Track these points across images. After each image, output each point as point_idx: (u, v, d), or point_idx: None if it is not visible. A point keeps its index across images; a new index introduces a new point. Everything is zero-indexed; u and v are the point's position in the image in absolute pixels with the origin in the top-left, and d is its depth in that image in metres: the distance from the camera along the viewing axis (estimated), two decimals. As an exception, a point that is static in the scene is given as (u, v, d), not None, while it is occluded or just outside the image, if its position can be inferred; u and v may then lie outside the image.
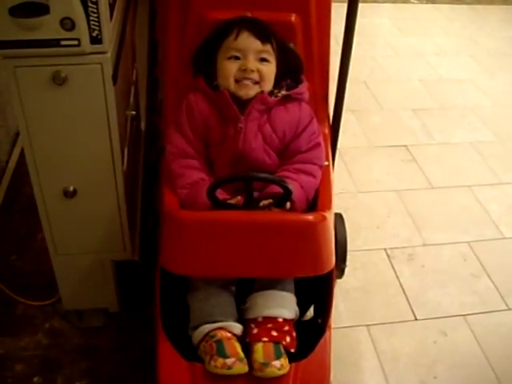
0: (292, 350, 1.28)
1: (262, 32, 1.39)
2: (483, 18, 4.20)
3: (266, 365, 1.21)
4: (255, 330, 1.29)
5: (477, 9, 4.31)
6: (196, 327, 1.30)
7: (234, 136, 1.36)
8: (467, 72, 3.43)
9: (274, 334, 1.28)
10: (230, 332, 1.27)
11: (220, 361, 1.18)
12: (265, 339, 1.26)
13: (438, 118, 2.94)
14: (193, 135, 1.39)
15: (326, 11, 1.56)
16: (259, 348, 1.24)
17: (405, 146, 2.69)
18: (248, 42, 1.38)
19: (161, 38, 1.74)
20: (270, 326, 1.29)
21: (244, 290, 1.37)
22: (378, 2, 4.22)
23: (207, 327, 1.28)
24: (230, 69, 1.37)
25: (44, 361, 1.64)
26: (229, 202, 1.31)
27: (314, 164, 1.41)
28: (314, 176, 1.39)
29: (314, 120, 1.45)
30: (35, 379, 1.59)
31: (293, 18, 1.51)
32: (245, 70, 1.36)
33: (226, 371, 1.18)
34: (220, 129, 1.38)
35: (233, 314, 1.33)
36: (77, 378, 1.60)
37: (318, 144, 1.43)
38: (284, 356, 1.24)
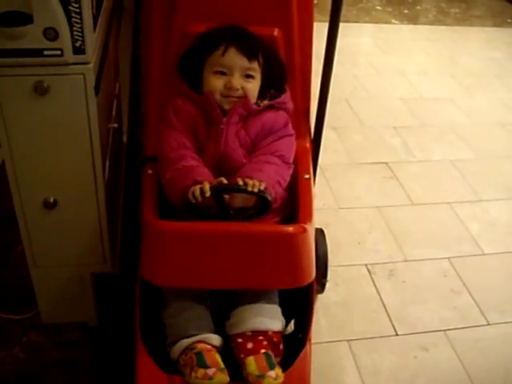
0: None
1: (250, 48, 1.40)
2: (463, 38, 4.27)
3: (262, 377, 1.21)
4: (250, 345, 1.28)
5: (457, 30, 4.39)
6: (173, 343, 1.29)
7: (216, 137, 1.39)
8: (447, 91, 3.48)
9: (267, 345, 1.28)
10: (209, 344, 1.27)
11: (201, 371, 1.18)
12: (263, 351, 1.26)
13: (418, 136, 2.96)
14: (185, 130, 1.41)
15: (309, 26, 1.58)
16: (251, 361, 1.24)
17: (385, 163, 2.71)
18: (235, 59, 1.39)
19: (144, 53, 1.74)
20: (261, 338, 1.29)
21: (221, 304, 1.37)
22: (360, 22, 4.29)
23: (185, 341, 1.27)
24: (216, 84, 1.39)
25: (21, 375, 1.61)
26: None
27: (272, 154, 1.39)
28: (270, 163, 1.37)
29: (290, 126, 1.45)
30: (11, 394, 1.56)
31: (275, 32, 1.52)
32: (230, 88, 1.38)
33: (207, 382, 1.17)
34: (205, 129, 1.41)
35: (208, 326, 1.32)
36: (54, 393, 1.57)
37: (281, 137, 1.43)
38: (277, 366, 1.24)
